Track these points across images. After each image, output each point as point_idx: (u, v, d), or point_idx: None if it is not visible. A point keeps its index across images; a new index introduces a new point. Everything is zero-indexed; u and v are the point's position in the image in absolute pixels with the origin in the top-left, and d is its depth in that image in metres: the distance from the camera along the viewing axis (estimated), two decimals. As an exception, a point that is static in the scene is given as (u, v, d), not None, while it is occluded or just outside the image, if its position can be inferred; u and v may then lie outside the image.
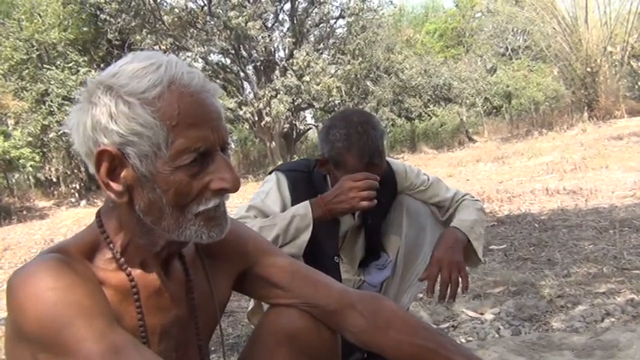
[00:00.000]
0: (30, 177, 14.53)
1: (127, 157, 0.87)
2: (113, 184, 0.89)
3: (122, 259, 0.95)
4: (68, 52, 14.15)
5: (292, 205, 1.75)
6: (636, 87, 16.96)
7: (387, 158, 1.94)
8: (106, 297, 0.89)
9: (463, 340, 2.50)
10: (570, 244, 3.95)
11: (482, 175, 9.47)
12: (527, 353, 2.07)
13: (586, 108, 14.98)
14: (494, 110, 18.11)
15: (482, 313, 2.88)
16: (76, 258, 0.91)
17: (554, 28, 15.94)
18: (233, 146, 19.43)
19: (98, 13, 14.51)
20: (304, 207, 1.66)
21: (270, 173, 1.88)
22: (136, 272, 0.96)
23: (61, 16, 14.42)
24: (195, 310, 1.04)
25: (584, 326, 2.49)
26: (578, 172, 7.84)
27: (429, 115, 17.76)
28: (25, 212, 12.70)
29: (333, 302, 1.12)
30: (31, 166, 12.53)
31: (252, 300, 1.81)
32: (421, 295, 3.24)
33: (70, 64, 13.79)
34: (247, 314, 1.82)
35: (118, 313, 0.91)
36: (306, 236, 1.63)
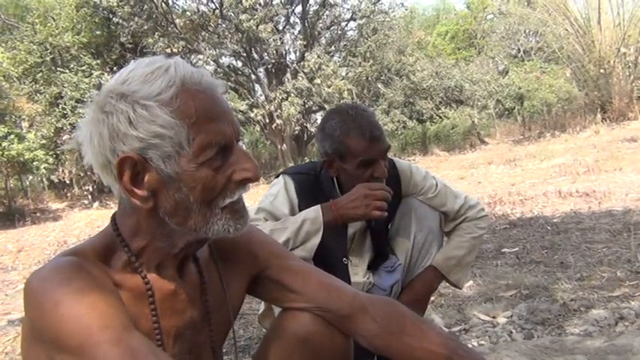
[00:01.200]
0: (43, 179, 14.66)
1: (150, 161, 0.88)
2: (138, 191, 0.90)
3: (137, 262, 0.95)
4: (81, 56, 14.27)
5: (300, 207, 1.76)
6: (650, 88, 16.78)
7: (393, 158, 1.94)
8: (121, 300, 0.90)
9: (475, 344, 2.49)
10: (583, 248, 3.92)
11: (494, 178, 9.42)
12: (539, 357, 2.05)
13: (599, 110, 14.85)
14: (506, 112, 18.01)
15: (494, 317, 2.86)
16: (91, 261, 0.92)
17: (566, 30, 15.83)
18: (244, 148, 19.45)
19: (111, 16, 14.67)
20: (315, 211, 1.66)
21: (278, 176, 1.88)
22: (152, 275, 0.96)
23: (75, 20, 14.54)
24: (209, 312, 1.04)
25: (597, 330, 2.47)
26: (591, 174, 7.79)
27: (440, 117, 17.69)
28: (38, 214, 12.83)
29: (346, 306, 1.12)
30: (44, 168, 12.65)
31: (262, 303, 1.81)
32: (433, 298, 3.23)
33: (84, 67, 13.91)
34: (258, 317, 1.83)
35: (134, 316, 0.91)
36: (316, 240, 1.63)
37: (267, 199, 1.80)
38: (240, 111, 15.17)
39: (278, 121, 15.05)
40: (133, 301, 0.93)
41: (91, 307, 0.83)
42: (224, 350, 2.20)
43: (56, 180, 14.70)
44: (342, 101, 14.62)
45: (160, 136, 0.87)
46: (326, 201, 1.72)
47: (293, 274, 1.13)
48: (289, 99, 14.46)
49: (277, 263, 1.14)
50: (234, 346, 1.20)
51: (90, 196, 14.34)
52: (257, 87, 16.62)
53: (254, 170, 0.93)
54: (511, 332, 2.61)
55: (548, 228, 4.75)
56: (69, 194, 14.82)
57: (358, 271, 1.88)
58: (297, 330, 1.12)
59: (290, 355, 1.12)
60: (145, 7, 14.48)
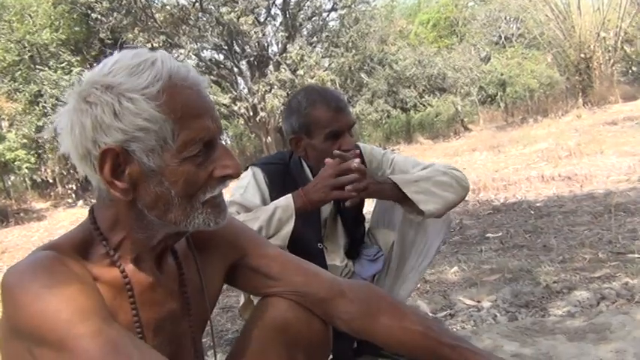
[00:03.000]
0: (26, 179, 14.50)
1: (132, 154, 0.88)
2: (118, 183, 0.89)
3: (116, 255, 0.95)
4: (60, 53, 14.10)
5: (271, 197, 1.76)
6: (630, 72, 16.99)
7: (357, 143, 1.94)
8: (100, 293, 0.90)
9: (460, 329, 2.51)
10: (566, 230, 3.97)
11: (478, 164, 9.48)
12: (520, 338, 2.08)
13: (580, 94, 14.99)
14: (489, 99, 18.10)
15: (479, 301, 2.89)
16: (69, 255, 0.91)
17: (546, 15, 15.93)
18: (229, 142, 19.39)
19: (89, 12, 14.44)
20: (286, 199, 1.66)
21: (247, 169, 1.88)
22: (130, 268, 0.96)
23: (52, 17, 14.35)
24: (189, 303, 1.05)
25: (579, 311, 2.51)
26: (573, 158, 7.86)
27: (424, 106, 17.76)
28: (22, 214, 12.69)
29: (324, 290, 1.13)
30: (26, 167, 12.52)
31: (242, 294, 1.81)
32: (418, 285, 3.26)
33: (63, 65, 13.74)
34: (239, 309, 1.83)
35: (113, 309, 0.91)
36: (289, 227, 1.62)
37: (237, 191, 1.79)
38: (224, 104, 15.10)
39: (262, 114, 14.99)
40: (111, 294, 0.93)
41: (69, 300, 0.82)
42: (211, 344, 2.19)
43: (39, 179, 14.55)
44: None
45: (145, 130, 0.87)
46: (296, 188, 1.73)
47: (270, 260, 1.14)
48: (272, 91, 14.41)
49: (254, 251, 1.14)
50: (211, 336, 1.20)
51: (74, 195, 14.21)
52: (240, 80, 16.53)
53: (235, 167, 0.94)
54: (495, 316, 2.64)
55: (532, 212, 4.80)
56: (52, 193, 14.68)
57: (335, 257, 1.88)
58: (275, 317, 1.13)
59: (268, 342, 1.13)
60: (124, 1, 14.29)
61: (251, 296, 1.74)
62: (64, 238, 0.96)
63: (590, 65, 15.10)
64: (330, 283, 1.15)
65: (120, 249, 0.96)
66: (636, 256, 3.14)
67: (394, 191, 1.70)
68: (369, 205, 2.17)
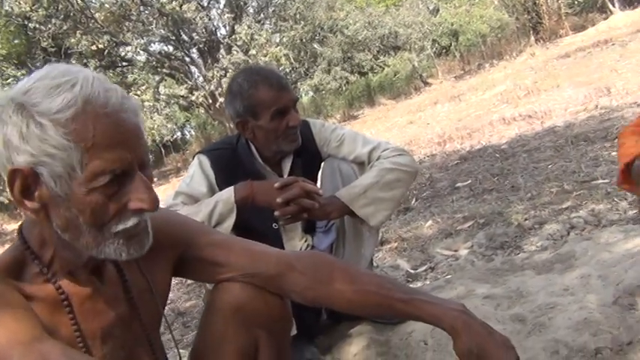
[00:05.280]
0: (-9, 202, 14.15)
1: (41, 177, 0.86)
2: (27, 202, 0.88)
3: (50, 273, 0.94)
4: (4, 68, 13.70)
5: (217, 181, 1.75)
6: (576, 2, 17.16)
7: (307, 119, 1.94)
8: (32, 312, 0.89)
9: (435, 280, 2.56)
10: (531, 168, 4.05)
11: (441, 117, 9.54)
12: (491, 279, 2.12)
13: (531, 32, 15.12)
14: (444, 50, 18.17)
15: (456, 250, 2.95)
16: None
17: (488, -43, 15.95)
18: (192, 132, 19.16)
19: (26, 22, 13.98)
20: (228, 192, 1.65)
21: (194, 157, 1.87)
22: (65, 282, 0.95)
23: (-11, 33, 13.88)
24: (137, 307, 1.04)
25: (551, 244, 2.58)
26: (532, 96, 7.96)
27: (381, 67, 17.74)
28: (-6, 239, 12.43)
29: (272, 267, 1.14)
30: (-11, 191, 12.21)
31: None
32: (395, 244, 3.31)
33: (9, 80, 13.34)
34: (203, 299, 1.83)
35: (52, 325, 0.91)
36: (230, 221, 1.62)
37: (184, 181, 1.79)
38: (181, 96, 14.88)
39: (221, 99, 14.78)
40: (49, 310, 0.92)
41: None
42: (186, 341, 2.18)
43: (6, 201, 14.20)
44: (280, 68, 14.48)
45: (51, 156, 0.84)
46: (244, 171, 1.72)
47: (214, 248, 1.14)
48: (228, 75, 14.19)
49: (197, 241, 1.14)
50: (170, 332, 1.20)
51: (44, 211, 13.92)
52: (193, 69, 16.25)
53: (150, 202, 0.90)
54: (473, 262, 2.70)
55: (497, 155, 4.88)
56: (22, 213, 14.37)
57: (294, 236, 1.88)
58: (229, 301, 1.13)
59: (227, 326, 1.13)
60: (60, 6, 13.85)
61: (200, 282, 1.74)
62: None
63: (537, 1, 15.19)
64: (277, 259, 1.15)
65: (53, 265, 0.94)
66: (600, 182, 3.23)
67: (342, 210, 1.76)
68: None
